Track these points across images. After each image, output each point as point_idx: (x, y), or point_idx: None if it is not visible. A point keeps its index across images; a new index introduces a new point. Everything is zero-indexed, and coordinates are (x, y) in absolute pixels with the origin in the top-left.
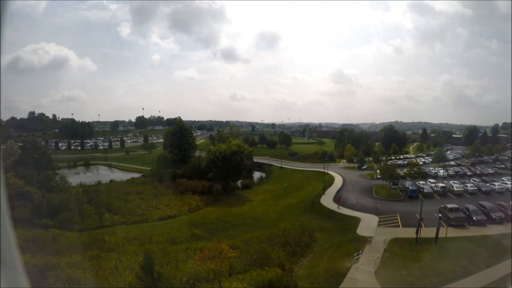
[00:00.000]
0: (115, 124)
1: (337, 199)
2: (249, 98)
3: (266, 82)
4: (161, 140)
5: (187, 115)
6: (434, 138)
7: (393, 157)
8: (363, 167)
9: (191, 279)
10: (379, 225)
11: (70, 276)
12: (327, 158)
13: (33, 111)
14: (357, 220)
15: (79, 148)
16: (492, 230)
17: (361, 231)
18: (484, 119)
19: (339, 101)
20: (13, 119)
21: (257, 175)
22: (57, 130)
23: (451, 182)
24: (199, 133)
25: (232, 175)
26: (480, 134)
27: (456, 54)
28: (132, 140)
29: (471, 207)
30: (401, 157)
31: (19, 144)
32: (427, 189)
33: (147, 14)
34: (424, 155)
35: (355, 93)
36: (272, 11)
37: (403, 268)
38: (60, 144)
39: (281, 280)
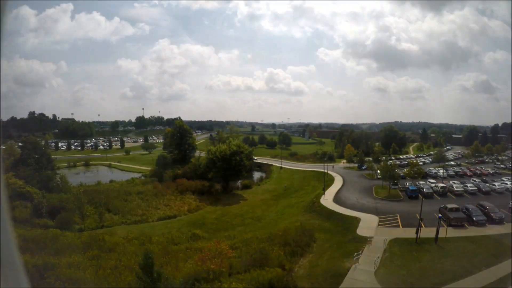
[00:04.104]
0: (115, 124)
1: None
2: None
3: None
4: (161, 140)
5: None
6: (434, 138)
7: (393, 157)
8: (363, 167)
9: (190, 279)
10: (379, 225)
11: (69, 276)
12: (327, 158)
13: (33, 111)
14: (357, 220)
15: (79, 148)
16: (492, 230)
17: (361, 231)
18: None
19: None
20: (13, 119)
21: (257, 175)
22: (57, 130)
23: (451, 182)
24: (199, 133)
25: (232, 175)
26: (480, 134)
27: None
28: (132, 140)
29: (471, 207)
30: (401, 157)
31: (19, 144)
32: (427, 189)
33: None
34: (424, 155)
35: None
36: None
37: (403, 268)
38: (60, 144)
39: (281, 280)
